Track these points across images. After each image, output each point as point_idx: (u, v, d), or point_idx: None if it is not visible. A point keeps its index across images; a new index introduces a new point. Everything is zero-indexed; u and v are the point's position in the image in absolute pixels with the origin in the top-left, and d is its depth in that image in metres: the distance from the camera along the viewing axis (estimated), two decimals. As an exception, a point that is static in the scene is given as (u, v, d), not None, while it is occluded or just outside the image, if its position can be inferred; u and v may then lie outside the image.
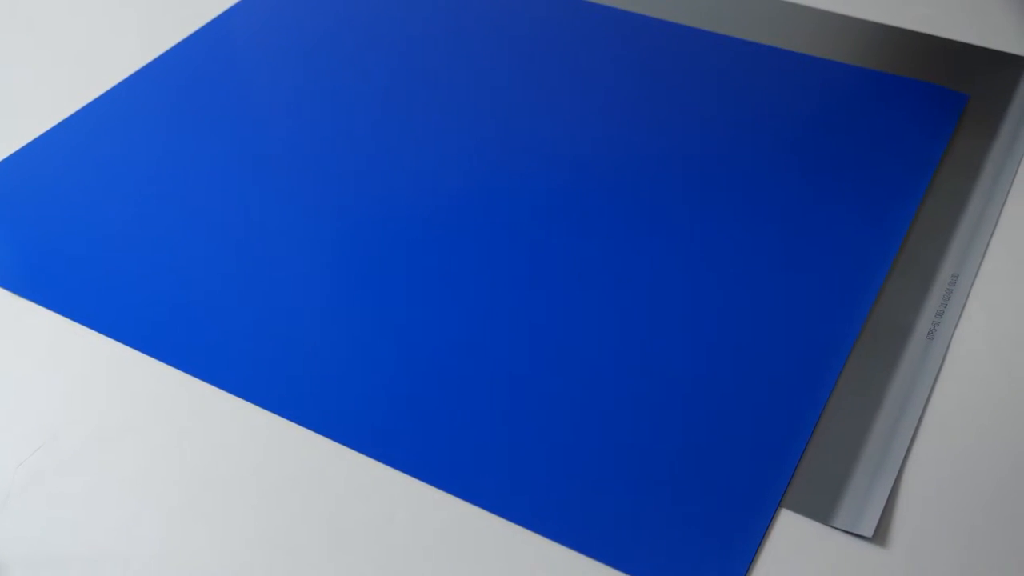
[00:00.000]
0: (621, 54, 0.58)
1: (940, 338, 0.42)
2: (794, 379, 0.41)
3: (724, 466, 0.38)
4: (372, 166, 0.51)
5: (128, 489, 0.38)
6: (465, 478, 0.38)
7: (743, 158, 0.51)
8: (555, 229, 0.47)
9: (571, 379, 0.41)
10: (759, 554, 0.35)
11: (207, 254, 0.47)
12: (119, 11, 0.63)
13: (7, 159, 0.52)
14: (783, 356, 0.42)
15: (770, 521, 0.36)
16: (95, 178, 0.51)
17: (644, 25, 0.60)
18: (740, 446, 0.38)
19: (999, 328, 0.43)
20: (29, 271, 0.46)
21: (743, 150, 0.52)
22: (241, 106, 0.55)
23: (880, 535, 0.36)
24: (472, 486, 0.38)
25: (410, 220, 0.48)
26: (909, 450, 0.38)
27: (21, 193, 0.50)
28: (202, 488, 0.38)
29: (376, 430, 0.40)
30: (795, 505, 0.37)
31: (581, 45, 0.59)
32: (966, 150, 0.51)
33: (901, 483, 0.37)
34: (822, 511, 0.37)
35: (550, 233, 0.47)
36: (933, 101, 0.54)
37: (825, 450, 0.38)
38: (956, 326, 0.43)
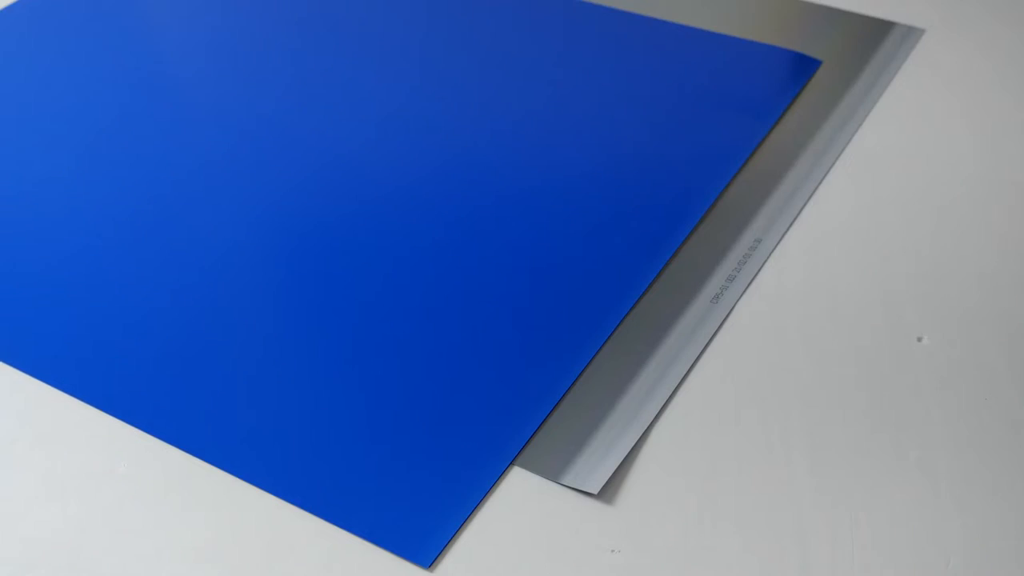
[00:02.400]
0: (491, 23, 0.58)
1: (724, 303, 0.41)
2: (563, 338, 0.40)
3: (467, 425, 0.37)
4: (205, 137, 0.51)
5: None
6: (192, 432, 0.37)
7: (590, 116, 0.50)
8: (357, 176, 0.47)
9: (320, 331, 0.40)
10: (481, 507, 0.35)
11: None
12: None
13: None
14: (562, 314, 0.41)
15: (499, 477, 0.36)
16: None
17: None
18: (488, 405, 0.38)
19: (785, 298, 0.42)
20: None
21: (591, 109, 0.51)
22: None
23: (609, 495, 0.35)
24: (198, 441, 0.37)
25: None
26: (659, 416, 0.38)
27: None
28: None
29: (112, 386, 0.39)
30: (529, 464, 0.36)
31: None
32: (804, 117, 0.50)
33: (645, 447, 0.37)
34: (553, 469, 0.36)
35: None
36: (783, 66, 0.53)
37: (575, 411, 0.38)
38: (744, 292, 0.42)
